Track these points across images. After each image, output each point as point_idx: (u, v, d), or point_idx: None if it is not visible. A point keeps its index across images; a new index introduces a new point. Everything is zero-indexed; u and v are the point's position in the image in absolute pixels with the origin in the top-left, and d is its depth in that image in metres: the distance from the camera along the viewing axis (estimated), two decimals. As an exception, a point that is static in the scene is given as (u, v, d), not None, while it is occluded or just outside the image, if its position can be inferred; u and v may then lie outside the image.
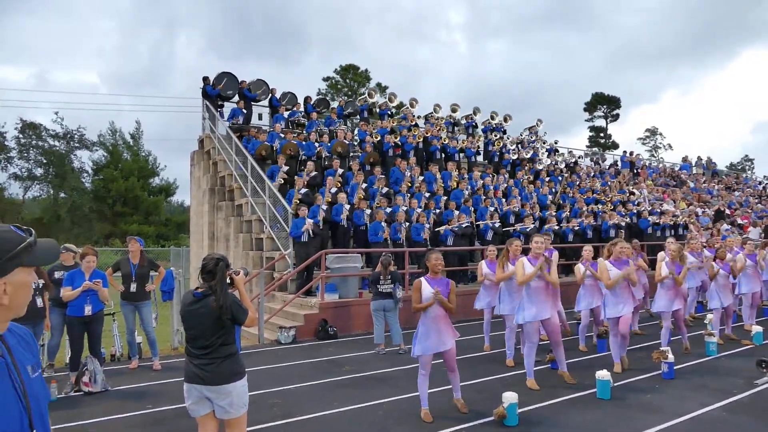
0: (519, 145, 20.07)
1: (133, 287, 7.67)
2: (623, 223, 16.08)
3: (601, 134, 59.26)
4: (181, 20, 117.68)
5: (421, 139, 16.85)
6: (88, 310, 6.70)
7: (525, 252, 7.72)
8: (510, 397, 5.26)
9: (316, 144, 14.64)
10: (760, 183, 30.85)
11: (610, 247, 7.46)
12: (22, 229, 1.45)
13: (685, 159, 29.27)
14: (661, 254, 9.36)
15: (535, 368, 6.67)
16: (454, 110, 20.01)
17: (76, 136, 40.00)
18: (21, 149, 38.72)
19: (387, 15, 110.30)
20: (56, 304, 6.99)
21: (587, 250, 8.66)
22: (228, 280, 3.72)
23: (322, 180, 13.47)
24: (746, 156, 67.24)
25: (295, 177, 13.07)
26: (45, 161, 39.45)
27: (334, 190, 12.73)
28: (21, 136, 38.41)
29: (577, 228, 15.11)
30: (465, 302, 9.99)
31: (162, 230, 40.59)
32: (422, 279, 5.47)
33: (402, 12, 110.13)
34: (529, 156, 19.58)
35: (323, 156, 14.52)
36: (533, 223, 14.13)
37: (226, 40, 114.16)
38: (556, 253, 8.89)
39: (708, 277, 11.36)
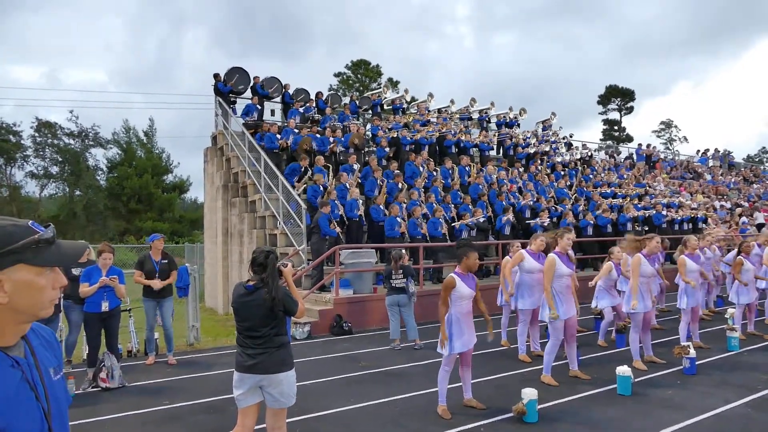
0: (535, 139, 19.91)
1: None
2: (642, 216, 15.90)
3: (615, 127, 58.62)
4: (186, 17, 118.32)
5: (437, 135, 16.79)
6: (105, 306, 6.73)
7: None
8: (529, 393, 5.18)
9: (331, 139, 14.65)
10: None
11: (645, 241, 7.26)
12: (44, 227, 1.38)
13: (704, 153, 28.75)
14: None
15: (553, 363, 6.57)
16: (471, 104, 19.90)
17: (90, 134, 40.38)
18: (37, 148, 39.17)
19: (391, 9, 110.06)
20: (75, 301, 7.02)
21: (618, 252, 8.54)
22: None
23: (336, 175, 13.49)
24: (763, 148, 66.07)
25: (314, 173, 13.11)
26: (60, 159, 39.83)
27: (350, 185, 12.70)
28: (37, 134, 38.85)
29: (593, 222, 14.96)
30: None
31: (176, 227, 40.79)
32: (455, 276, 5.33)
33: (407, 5, 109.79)
34: (546, 149, 19.41)
35: (338, 151, 14.50)
36: (549, 218, 14.02)
37: (232, 37, 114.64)
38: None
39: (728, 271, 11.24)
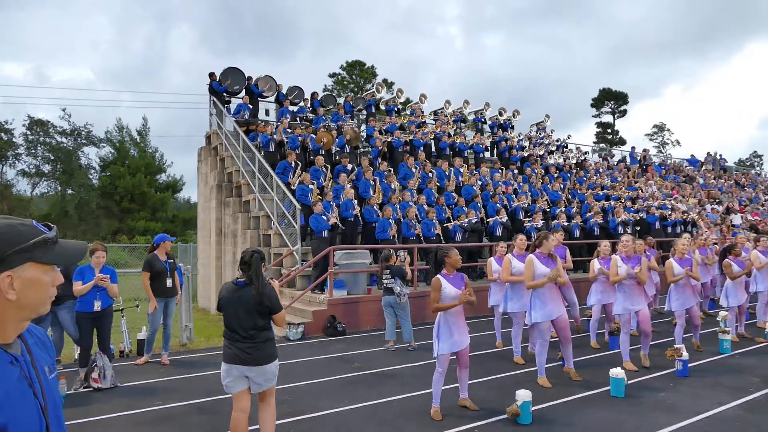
0: (529, 141, 19.99)
1: (169, 282, 7.71)
2: (632, 219, 15.96)
3: (609, 130, 58.89)
4: (172, 15, 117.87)
5: (432, 136, 16.81)
6: (97, 305, 6.67)
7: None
8: (523, 395, 5.19)
9: (325, 139, 14.62)
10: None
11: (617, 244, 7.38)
12: (45, 225, 1.41)
13: (692, 156, 28.96)
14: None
15: (546, 365, 6.59)
16: (464, 107, 19.95)
17: (83, 133, 40.11)
18: (29, 146, 38.88)
19: (380, 9, 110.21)
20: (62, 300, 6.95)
21: (605, 245, 8.40)
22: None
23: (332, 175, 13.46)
24: (755, 152, 66.58)
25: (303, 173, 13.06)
26: (53, 158, 39.54)
27: (347, 186, 12.67)
28: (29, 132, 38.56)
29: (583, 224, 15.02)
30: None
31: (169, 226, 40.52)
32: (441, 277, 5.36)
33: (395, 5, 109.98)
34: (540, 153, 19.48)
35: (334, 151, 14.49)
36: (542, 220, 14.05)
37: (220, 35, 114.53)
38: (567, 252, 8.79)
39: (718, 273, 11.36)
